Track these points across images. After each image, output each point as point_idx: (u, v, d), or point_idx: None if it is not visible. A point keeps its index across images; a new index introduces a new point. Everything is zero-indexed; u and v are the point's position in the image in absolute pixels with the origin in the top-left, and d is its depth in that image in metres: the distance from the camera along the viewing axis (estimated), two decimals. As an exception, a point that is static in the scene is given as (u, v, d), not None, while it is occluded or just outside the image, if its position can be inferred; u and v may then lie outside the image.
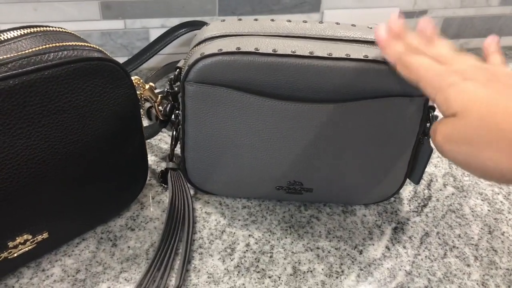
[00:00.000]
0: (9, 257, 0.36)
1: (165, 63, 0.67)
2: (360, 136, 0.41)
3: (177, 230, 0.42)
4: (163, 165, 0.50)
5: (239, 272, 0.40)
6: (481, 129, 0.28)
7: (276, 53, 0.38)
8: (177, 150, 0.47)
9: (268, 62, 0.38)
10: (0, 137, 0.32)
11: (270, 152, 0.42)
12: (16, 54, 0.34)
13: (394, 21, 0.35)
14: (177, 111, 0.48)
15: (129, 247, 0.41)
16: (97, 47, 0.38)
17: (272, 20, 0.44)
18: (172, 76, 0.45)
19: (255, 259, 0.41)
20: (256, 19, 0.43)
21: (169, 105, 0.48)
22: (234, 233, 0.43)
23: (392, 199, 0.48)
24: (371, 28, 0.44)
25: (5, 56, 0.33)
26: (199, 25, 0.64)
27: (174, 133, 0.47)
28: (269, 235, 0.43)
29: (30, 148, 0.34)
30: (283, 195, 0.46)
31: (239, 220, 0.45)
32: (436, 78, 0.31)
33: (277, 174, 0.44)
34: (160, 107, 0.48)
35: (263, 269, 0.40)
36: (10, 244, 0.36)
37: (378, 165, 0.43)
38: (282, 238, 0.43)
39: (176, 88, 0.46)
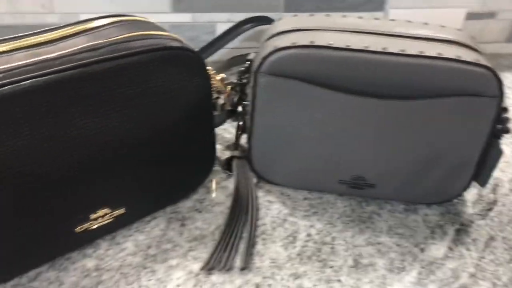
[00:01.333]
0: (89, 229, 0.39)
1: (228, 56, 0.69)
2: (427, 134, 0.41)
3: (242, 215, 0.44)
4: (227, 153, 0.52)
5: (301, 259, 0.41)
6: None
7: (350, 48, 0.39)
8: (242, 139, 0.49)
9: (341, 56, 0.38)
10: (92, 116, 0.35)
11: (337, 145, 0.43)
12: (106, 40, 0.36)
13: None
14: (244, 102, 0.49)
15: (196, 227, 0.43)
16: (176, 36, 0.40)
17: (344, 16, 0.44)
18: (242, 68, 0.47)
19: (317, 249, 0.42)
20: (327, 15, 0.44)
21: (236, 96, 0.49)
22: (296, 222, 0.44)
23: (456, 200, 0.48)
24: (443, 27, 0.44)
25: (96, 42, 0.36)
26: (264, 20, 0.65)
27: (241, 123, 0.49)
28: (330, 227, 0.44)
29: (115, 129, 0.36)
30: (345, 190, 0.46)
31: (300, 210, 0.46)
32: None
33: (341, 168, 0.44)
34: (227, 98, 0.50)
35: (324, 258, 0.41)
36: (92, 216, 0.38)
37: (443, 165, 0.43)
38: (343, 231, 0.44)
39: (245, 80, 0.48)
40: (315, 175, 0.46)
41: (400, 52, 0.38)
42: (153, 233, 0.43)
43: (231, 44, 0.68)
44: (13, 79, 0.31)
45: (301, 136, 0.43)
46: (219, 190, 0.48)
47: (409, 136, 0.41)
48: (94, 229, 0.39)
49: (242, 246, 0.41)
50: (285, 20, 0.44)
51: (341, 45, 0.39)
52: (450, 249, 0.43)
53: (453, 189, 0.45)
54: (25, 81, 0.31)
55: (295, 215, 0.45)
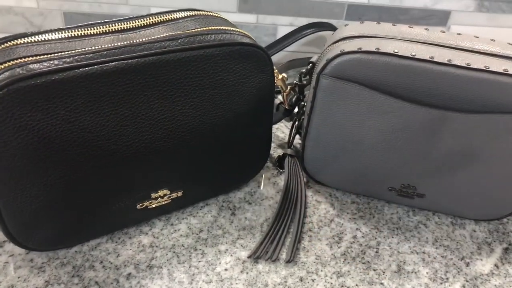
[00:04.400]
0: (148, 207, 0.41)
1: (286, 59, 0.70)
2: (486, 150, 0.41)
3: (290, 211, 0.45)
4: (279, 151, 0.54)
5: (345, 260, 0.42)
6: None
7: (414, 57, 0.39)
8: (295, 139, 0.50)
9: (406, 65, 0.39)
10: (165, 101, 0.37)
11: (390, 153, 0.43)
12: (184, 31, 0.39)
13: None
14: (302, 103, 0.51)
15: (246, 218, 0.45)
16: (247, 33, 0.42)
17: (410, 27, 0.45)
18: (304, 70, 0.49)
19: (361, 251, 0.43)
20: (394, 24, 0.45)
21: (295, 96, 0.51)
22: (342, 224, 0.45)
23: (505, 219, 0.47)
24: (510, 44, 0.44)
25: (176, 33, 0.38)
26: (326, 26, 0.67)
27: (297, 122, 0.51)
28: (376, 232, 0.45)
29: (184, 115, 0.39)
30: (394, 197, 0.47)
31: (347, 213, 0.47)
32: None
33: (392, 175, 0.45)
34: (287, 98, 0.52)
35: (368, 261, 0.42)
36: (152, 195, 0.41)
37: (498, 182, 0.43)
38: (389, 237, 0.44)
39: (305, 81, 0.50)
40: (365, 180, 0.46)
41: (465, 65, 0.39)
42: (205, 218, 0.45)
43: (290, 47, 0.70)
44: (100, 59, 0.34)
45: (356, 140, 0.44)
46: (269, 185, 0.49)
47: (467, 150, 0.41)
48: (152, 208, 0.42)
49: (288, 240, 0.43)
50: (352, 26, 0.46)
51: (406, 53, 0.40)
52: (497, 266, 0.42)
53: (504, 208, 0.45)
54: (111, 62, 0.34)
55: (342, 217, 0.46)
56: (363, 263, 0.41)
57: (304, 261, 0.41)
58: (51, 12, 0.68)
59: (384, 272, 0.41)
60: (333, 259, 0.42)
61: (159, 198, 0.42)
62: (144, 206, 0.41)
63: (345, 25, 0.47)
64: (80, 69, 0.33)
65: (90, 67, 0.33)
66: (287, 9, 0.68)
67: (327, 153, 0.46)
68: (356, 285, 0.39)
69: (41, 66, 0.32)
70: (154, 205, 0.42)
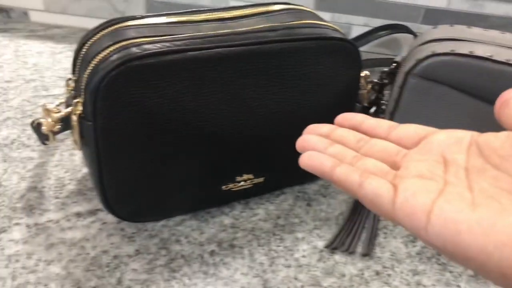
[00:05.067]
0: (232, 189, 0.43)
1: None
2: None
3: (365, 207, 0.46)
4: (352, 149, 0.55)
5: (420, 259, 0.42)
6: None
7: (510, 62, 0.39)
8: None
9: (501, 70, 0.39)
10: (260, 89, 0.39)
11: (473, 156, 0.43)
12: (281, 23, 0.40)
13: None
14: (381, 101, 0.51)
15: (321, 209, 0.46)
16: (337, 28, 0.43)
17: (502, 32, 0.45)
18: (386, 69, 0.49)
19: (436, 252, 0.43)
20: (485, 29, 0.45)
21: (374, 94, 0.52)
22: (417, 224, 0.46)
23: None
24: None
25: (274, 24, 0.40)
26: (401, 29, 0.67)
27: (375, 121, 0.51)
28: (451, 235, 0.45)
29: (276, 104, 0.40)
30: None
31: (421, 213, 0.47)
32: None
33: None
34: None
35: (444, 263, 0.42)
36: (237, 178, 0.43)
37: None
38: (464, 241, 0.44)
39: (385, 81, 0.50)
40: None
41: None
42: (282, 206, 0.46)
43: (362, 47, 0.70)
44: (207, 45, 0.36)
45: (438, 142, 0.44)
46: (343, 180, 0.50)
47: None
48: (235, 190, 0.44)
49: (364, 235, 0.44)
50: (442, 29, 0.46)
51: (501, 59, 0.39)
52: None
53: None
54: (216, 48, 0.36)
55: (416, 217, 0.46)
56: (439, 264, 0.42)
57: (379, 256, 0.42)
58: (135, -1, 0.72)
59: (460, 276, 0.41)
60: (409, 257, 0.42)
61: (243, 182, 0.43)
62: (228, 188, 0.43)
63: (433, 28, 0.47)
64: (189, 53, 0.35)
65: (198, 52, 0.35)
66: (363, 9, 0.69)
67: (405, 153, 0.47)
68: (433, 284, 0.40)
69: (154, 47, 0.34)
70: (236, 188, 0.43)
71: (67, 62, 0.67)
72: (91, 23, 0.75)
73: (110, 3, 0.72)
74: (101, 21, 0.39)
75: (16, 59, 0.66)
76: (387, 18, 0.69)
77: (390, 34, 0.67)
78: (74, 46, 0.71)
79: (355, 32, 0.70)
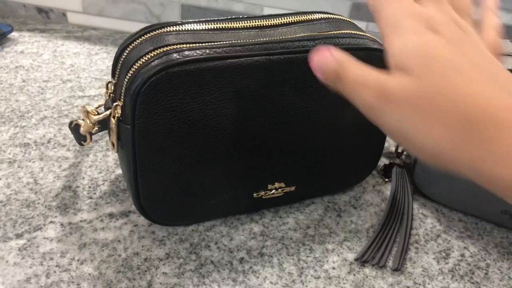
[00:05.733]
0: (262, 197, 0.43)
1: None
2: None
3: (397, 221, 0.45)
4: (384, 160, 0.54)
5: (453, 276, 0.41)
6: (437, 99, 0.22)
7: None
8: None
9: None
10: (295, 98, 0.39)
11: (511, 174, 0.42)
12: (320, 33, 0.40)
13: None
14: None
15: (351, 221, 0.46)
16: (375, 38, 0.42)
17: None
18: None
19: (470, 270, 0.42)
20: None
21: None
22: (450, 240, 0.45)
23: None
24: None
25: (313, 33, 0.40)
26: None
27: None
28: (485, 254, 0.44)
29: (311, 114, 0.40)
30: (506, 221, 0.46)
31: (454, 230, 0.46)
32: (400, 14, 0.24)
33: (509, 198, 0.44)
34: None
35: (477, 282, 0.41)
36: (269, 186, 0.43)
37: None
38: (499, 260, 0.43)
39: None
40: (477, 200, 0.45)
41: None
42: (312, 216, 0.46)
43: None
44: (246, 53, 0.36)
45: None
46: (373, 192, 0.50)
47: None
48: (266, 198, 0.43)
49: (394, 249, 0.43)
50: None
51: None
52: None
53: None
54: (255, 56, 0.36)
55: (449, 234, 0.45)
56: (472, 283, 0.41)
57: (410, 272, 0.41)
58: (170, 3, 0.73)
59: (494, 295, 0.40)
60: (441, 274, 0.41)
61: (274, 190, 0.43)
62: (260, 195, 0.43)
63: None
64: (228, 60, 0.35)
65: (237, 59, 0.35)
66: (399, 19, 0.68)
67: (440, 167, 0.46)
68: (466, 303, 0.39)
69: (195, 54, 0.35)
70: (268, 196, 0.43)
71: (103, 64, 0.68)
72: (127, 26, 0.76)
73: (146, 7, 0.74)
74: (137, 24, 0.39)
75: (54, 59, 0.68)
76: (423, 28, 0.68)
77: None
78: (109, 48, 0.72)
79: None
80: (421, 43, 0.23)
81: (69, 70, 0.66)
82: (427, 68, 0.23)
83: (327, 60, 0.27)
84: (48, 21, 0.79)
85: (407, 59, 0.23)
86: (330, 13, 0.44)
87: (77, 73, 0.65)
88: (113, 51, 0.72)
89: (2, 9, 0.79)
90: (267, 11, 0.70)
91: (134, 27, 0.76)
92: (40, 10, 0.78)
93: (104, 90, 0.62)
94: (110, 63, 0.68)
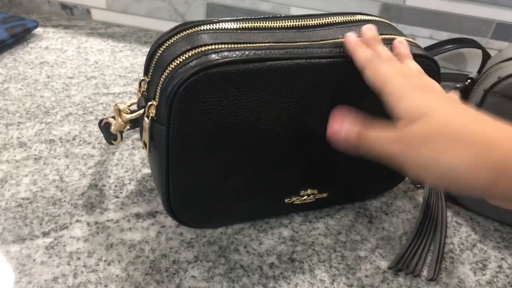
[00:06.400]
0: (294, 202, 0.42)
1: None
2: None
3: (431, 229, 0.44)
4: (414, 166, 0.53)
5: (490, 288, 0.40)
6: (445, 130, 0.29)
7: None
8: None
9: None
10: (329, 104, 0.37)
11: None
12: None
13: (368, 28, 0.37)
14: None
15: (383, 228, 0.44)
16: (418, 43, 0.41)
17: None
18: (459, 85, 0.47)
19: (508, 282, 0.40)
20: None
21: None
22: (486, 251, 0.43)
23: None
24: None
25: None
26: (469, 43, 0.64)
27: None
28: (523, 266, 0.42)
29: (347, 116, 0.39)
30: (544, 232, 0.44)
31: (491, 240, 0.44)
32: (402, 85, 0.32)
33: (549, 208, 0.42)
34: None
35: (516, 295, 0.39)
36: (302, 192, 0.41)
37: None
38: (537, 273, 0.42)
39: (457, 98, 0.48)
40: (514, 208, 0.44)
41: None
42: (343, 221, 0.45)
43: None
44: (286, 55, 0.34)
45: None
46: (405, 198, 0.48)
47: None
48: (296, 204, 0.42)
49: (429, 258, 0.42)
50: (525, 47, 0.43)
51: None
52: None
53: None
54: (295, 59, 0.35)
55: (485, 243, 0.44)
56: (510, 296, 0.39)
57: (446, 282, 0.40)
58: (196, 1, 0.72)
59: (534, 310, 0.38)
60: (478, 286, 0.40)
61: (306, 196, 0.42)
62: (291, 201, 0.42)
63: (515, 44, 0.45)
64: (267, 63, 0.34)
65: (277, 62, 0.34)
66: (429, 21, 0.66)
67: (476, 175, 0.44)
68: (505, 317, 0.37)
69: (234, 55, 0.34)
70: (299, 202, 0.42)
71: (126, 61, 0.68)
72: (151, 24, 0.76)
73: (171, 4, 0.73)
74: (161, 21, 0.38)
75: (78, 56, 0.67)
76: (453, 31, 0.66)
77: (458, 48, 0.64)
78: (133, 45, 0.72)
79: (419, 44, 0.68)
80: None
81: (93, 67, 0.65)
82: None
83: (343, 138, 0.35)
84: (72, 18, 0.78)
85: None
86: (371, 15, 0.43)
87: (101, 70, 0.65)
88: (137, 48, 0.71)
89: (26, 5, 0.79)
90: (294, 11, 0.69)
91: (158, 25, 0.75)
92: (64, 6, 0.78)
93: (129, 87, 0.61)
94: (134, 61, 0.68)
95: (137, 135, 0.53)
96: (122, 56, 0.69)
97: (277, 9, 0.70)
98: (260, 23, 0.38)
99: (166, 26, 0.69)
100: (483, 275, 0.41)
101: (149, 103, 0.35)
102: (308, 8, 0.69)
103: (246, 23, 0.38)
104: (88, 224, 0.42)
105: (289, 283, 0.38)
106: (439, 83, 0.41)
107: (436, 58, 0.68)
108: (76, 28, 0.75)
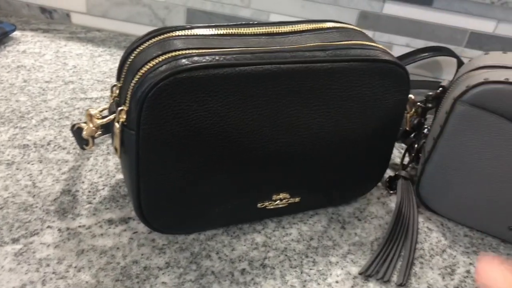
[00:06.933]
0: (266, 207, 0.42)
1: (396, 79, 0.69)
2: None
3: (402, 235, 0.44)
4: (389, 172, 0.53)
5: (458, 293, 0.40)
6: None
7: None
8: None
9: (558, 103, 0.38)
10: (303, 109, 0.38)
11: (520, 190, 0.42)
12: (331, 43, 0.39)
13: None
14: (424, 126, 0.50)
15: (355, 233, 0.45)
16: (387, 50, 0.42)
17: (558, 63, 0.43)
18: (431, 93, 0.48)
19: (476, 287, 0.41)
20: (540, 59, 0.43)
21: (417, 118, 0.50)
22: (455, 256, 0.44)
23: None
24: None
25: (324, 43, 0.39)
26: (444, 51, 0.65)
27: (416, 145, 0.50)
28: (491, 271, 0.43)
29: (319, 124, 0.39)
30: (512, 237, 0.45)
31: (460, 245, 0.45)
32: None
33: (516, 214, 0.43)
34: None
35: (483, 300, 0.40)
36: (274, 197, 0.42)
37: None
38: (505, 278, 0.42)
39: (429, 105, 0.49)
40: (484, 215, 0.45)
41: None
42: (316, 227, 0.45)
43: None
44: (256, 61, 0.35)
45: (483, 173, 0.43)
46: (378, 204, 0.49)
47: None
48: (269, 209, 0.43)
49: (399, 264, 0.42)
50: (493, 55, 0.44)
51: (559, 91, 0.38)
52: None
53: None
54: (265, 65, 0.35)
55: (455, 249, 0.45)
56: (478, 301, 0.40)
57: (415, 287, 0.40)
58: (176, 7, 0.72)
59: (501, 314, 0.39)
60: (446, 291, 0.40)
61: (278, 201, 0.42)
62: (264, 206, 0.42)
63: (484, 53, 0.46)
64: (238, 68, 0.34)
65: (247, 67, 0.35)
66: (406, 29, 0.67)
67: (447, 181, 0.45)
68: (472, 322, 0.38)
69: (204, 59, 0.34)
70: (271, 206, 0.42)
71: (105, 66, 0.67)
72: (131, 28, 0.76)
73: (151, 9, 0.73)
74: (141, 26, 0.38)
75: (56, 60, 0.67)
76: (430, 39, 0.67)
77: (433, 56, 0.66)
78: (113, 50, 0.72)
79: (396, 52, 0.69)
80: None
81: (71, 72, 0.65)
82: None
83: None
84: (52, 21, 0.78)
85: None
86: (341, 22, 0.44)
87: (79, 75, 0.64)
88: (116, 53, 0.71)
89: (5, 8, 0.79)
90: (273, 18, 0.70)
91: (138, 29, 0.75)
92: (44, 10, 0.77)
93: (107, 92, 0.61)
94: (113, 66, 0.68)
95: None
96: (101, 61, 0.69)
97: (257, 16, 0.70)
98: (233, 29, 0.39)
99: (146, 31, 0.69)
100: (452, 279, 0.41)
101: (120, 108, 0.35)
102: (287, 15, 0.69)
103: (219, 30, 0.39)
104: (59, 230, 0.41)
105: (260, 289, 0.38)
106: (408, 92, 0.42)
107: (412, 66, 0.69)
108: (55, 32, 0.75)
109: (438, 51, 0.65)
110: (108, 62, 0.68)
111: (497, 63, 0.43)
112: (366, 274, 0.40)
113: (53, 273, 0.37)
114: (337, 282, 0.40)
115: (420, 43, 0.68)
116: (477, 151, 0.42)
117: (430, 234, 0.46)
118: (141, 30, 0.75)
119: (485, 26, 0.65)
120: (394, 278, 0.41)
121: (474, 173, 0.43)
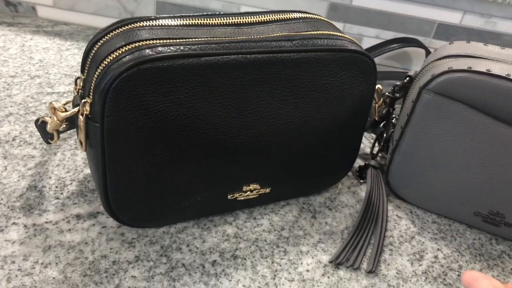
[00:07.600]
0: (237, 198, 0.42)
1: (366, 70, 0.70)
2: None
3: (372, 223, 0.45)
4: (359, 161, 0.54)
5: (426, 278, 0.41)
6: None
7: (527, 83, 0.38)
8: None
9: (518, 90, 0.39)
10: (273, 98, 0.38)
11: (483, 176, 0.43)
12: (297, 33, 0.39)
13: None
14: (392, 115, 0.51)
15: (326, 223, 0.45)
16: (354, 40, 0.42)
17: (519, 51, 0.44)
18: (399, 83, 0.48)
19: (443, 272, 0.42)
20: (503, 48, 0.44)
21: (385, 108, 0.51)
22: (423, 242, 0.45)
23: None
24: None
25: (290, 33, 0.39)
26: (413, 42, 0.66)
27: (385, 135, 0.50)
28: (458, 255, 0.44)
29: (287, 114, 0.39)
30: (478, 223, 0.46)
31: (428, 232, 0.46)
32: None
33: (481, 200, 0.44)
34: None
35: (450, 283, 0.41)
36: (244, 188, 0.42)
37: None
38: (471, 262, 0.43)
39: (397, 94, 0.49)
40: (451, 202, 0.46)
41: None
42: (287, 217, 0.45)
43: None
44: (222, 51, 0.35)
45: (449, 160, 0.43)
46: (349, 193, 0.49)
47: None
48: (240, 200, 0.43)
49: (369, 251, 0.43)
50: (458, 45, 0.45)
51: (519, 79, 0.39)
52: None
53: None
54: (231, 55, 0.35)
55: (423, 235, 0.46)
56: (445, 285, 0.41)
57: (385, 274, 0.41)
58: None
59: (467, 297, 0.40)
60: (414, 276, 0.41)
61: (249, 192, 0.42)
62: (234, 197, 0.42)
63: (449, 43, 0.47)
64: (203, 58, 0.34)
65: (213, 57, 0.34)
66: (376, 21, 0.68)
67: (415, 169, 0.46)
68: (439, 306, 0.39)
69: (168, 50, 0.33)
70: (242, 198, 0.42)
71: (73, 60, 0.66)
72: (100, 22, 0.74)
73: (120, 2, 0.72)
74: (110, 19, 0.38)
75: (22, 54, 0.65)
76: (399, 31, 0.68)
77: (402, 47, 0.66)
78: (81, 44, 0.70)
79: (366, 43, 0.69)
80: None
81: (37, 66, 0.63)
82: None
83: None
84: (17, 15, 0.76)
85: None
86: (308, 13, 0.44)
87: (46, 69, 0.63)
88: (84, 47, 0.69)
89: (-33, 0, 0.76)
90: (244, 9, 0.69)
91: (106, 23, 0.73)
92: (8, 3, 0.75)
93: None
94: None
95: (80, 135, 0.51)
96: (69, 55, 0.67)
97: (227, 7, 0.70)
98: (199, 20, 0.38)
99: (114, 24, 0.67)
100: (420, 265, 0.42)
101: (83, 101, 0.35)
102: (257, 7, 0.69)
103: (185, 20, 0.38)
104: (25, 226, 0.40)
105: (230, 280, 0.38)
106: (375, 81, 0.42)
107: (382, 57, 0.70)
108: (20, 26, 0.73)
109: (407, 42, 0.66)
110: (76, 56, 0.67)
111: (461, 52, 0.43)
112: (336, 262, 0.41)
113: (19, 270, 0.37)
114: (307, 270, 0.40)
115: (390, 35, 0.69)
116: (442, 139, 0.43)
117: (399, 222, 0.47)
118: (109, 23, 0.73)
119: (452, 17, 0.66)
120: (364, 265, 0.41)
121: (440, 161, 0.44)
